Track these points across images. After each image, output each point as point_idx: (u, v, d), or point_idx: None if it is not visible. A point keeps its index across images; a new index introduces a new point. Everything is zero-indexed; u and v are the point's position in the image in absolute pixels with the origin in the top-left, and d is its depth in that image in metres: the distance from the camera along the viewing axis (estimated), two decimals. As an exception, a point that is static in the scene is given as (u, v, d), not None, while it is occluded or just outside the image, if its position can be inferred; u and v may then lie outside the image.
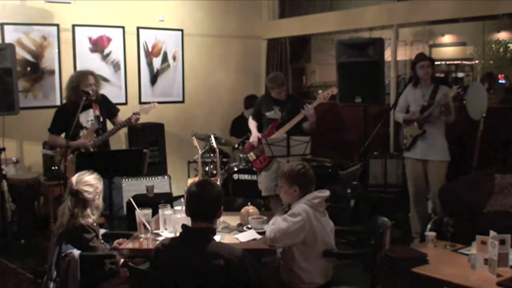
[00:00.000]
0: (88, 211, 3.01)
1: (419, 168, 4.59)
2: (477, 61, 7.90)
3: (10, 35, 5.36)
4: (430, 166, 4.53)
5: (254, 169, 5.30)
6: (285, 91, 4.86)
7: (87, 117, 4.57)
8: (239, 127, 6.42)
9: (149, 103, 4.70)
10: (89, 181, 3.05)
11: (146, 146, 5.50)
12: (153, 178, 5.53)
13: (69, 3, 5.75)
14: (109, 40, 6.07)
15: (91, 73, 4.60)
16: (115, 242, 3.28)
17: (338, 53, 5.42)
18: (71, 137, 4.39)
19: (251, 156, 4.98)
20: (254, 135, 4.96)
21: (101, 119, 4.62)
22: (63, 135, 4.63)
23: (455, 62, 8.03)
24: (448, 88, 4.45)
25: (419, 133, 4.50)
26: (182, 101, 6.78)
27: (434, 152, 4.48)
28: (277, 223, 2.94)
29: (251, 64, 7.39)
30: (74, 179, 3.06)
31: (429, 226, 4.16)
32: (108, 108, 4.73)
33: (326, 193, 3.05)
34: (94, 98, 4.52)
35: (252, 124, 5.11)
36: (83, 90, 4.43)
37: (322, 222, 2.99)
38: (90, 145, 4.47)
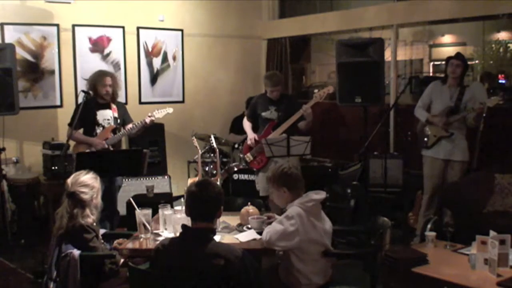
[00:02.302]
0: (87, 211, 2.99)
1: (440, 167, 4.57)
2: (477, 61, 7.91)
3: (10, 35, 5.36)
4: (451, 166, 4.52)
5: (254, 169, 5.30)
6: (278, 91, 4.84)
7: (104, 116, 4.66)
8: (239, 126, 6.43)
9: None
10: (84, 182, 3.02)
11: (146, 146, 5.50)
12: (153, 178, 5.54)
13: (69, 3, 5.75)
14: (109, 40, 6.07)
15: (110, 74, 4.75)
16: (115, 242, 3.28)
17: (338, 53, 5.42)
18: (86, 133, 4.55)
19: (248, 157, 4.98)
20: (250, 136, 4.96)
21: (119, 121, 4.71)
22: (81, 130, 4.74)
23: (455, 62, 8.01)
24: (473, 93, 4.44)
25: (446, 135, 4.48)
26: (182, 101, 6.78)
27: (457, 153, 4.48)
28: (273, 225, 2.95)
29: (251, 64, 7.39)
30: (69, 180, 3.04)
31: (429, 226, 4.16)
32: (123, 116, 4.79)
33: (322, 195, 3.00)
34: (108, 97, 4.62)
35: (247, 124, 5.10)
36: (83, 90, 4.47)
37: (317, 225, 2.95)
38: (103, 143, 4.54)
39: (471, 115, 4.34)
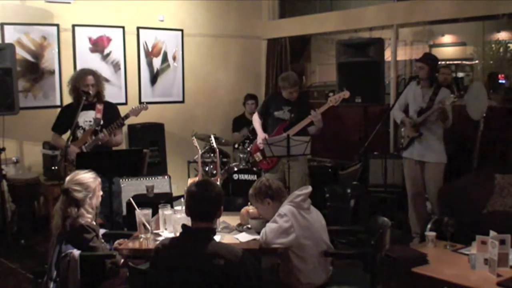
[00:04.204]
0: (82, 210, 2.96)
1: (417, 169, 4.59)
2: (477, 61, 7.92)
3: (10, 35, 5.36)
4: (427, 168, 4.53)
5: (255, 169, 5.30)
6: (297, 91, 4.81)
7: (86, 118, 4.45)
8: (239, 125, 6.44)
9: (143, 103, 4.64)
10: (79, 180, 3.00)
11: (146, 146, 5.50)
12: (153, 178, 5.53)
13: (69, 3, 5.75)
14: (109, 40, 6.07)
15: (91, 72, 4.48)
16: (115, 243, 3.26)
17: (338, 53, 5.42)
18: (70, 138, 4.33)
19: (258, 156, 4.96)
20: (261, 136, 4.91)
21: (102, 122, 4.45)
22: (65, 135, 4.57)
23: (455, 62, 8.04)
24: (449, 92, 4.45)
25: (416, 135, 4.50)
26: (182, 101, 6.78)
27: (431, 154, 4.48)
28: (267, 225, 2.98)
29: (251, 64, 7.39)
30: (67, 177, 3.05)
31: (429, 226, 4.16)
32: (111, 117, 4.46)
33: (308, 189, 3.07)
34: (91, 99, 4.43)
35: (257, 122, 5.05)
36: (83, 90, 4.37)
37: (309, 219, 3.01)
38: (82, 148, 4.36)
39: (435, 114, 4.33)
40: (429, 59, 4.54)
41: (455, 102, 4.26)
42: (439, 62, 5.01)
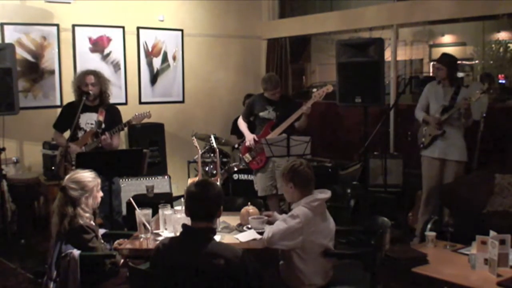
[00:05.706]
0: (79, 210, 2.95)
1: (436, 167, 4.59)
2: (477, 61, 7.92)
3: (10, 35, 5.36)
4: (448, 166, 4.53)
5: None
6: (279, 92, 4.87)
7: (88, 120, 4.46)
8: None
9: (146, 110, 4.61)
10: (77, 179, 2.99)
11: (146, 146, 5.50)
12: (153, 178, 5.53)
13: (69, 3, 5.75)
14: (109, 40, 6.07)
15: (92, 72, 4.49)
16: (115, 243, 3.26)
17: (338, 53, 5.41)
18: (72, 136, 4.36)
19: (247, 157, 4.97)
20: (249, 137, 4.94)
21: (103, 126, 4.45)
22: (66, 134, 4.56)
23: (455, 62, 8.02)
24: (468, 92, 4.47)
25: (439, 133, 4.51)
26: (182, 101, 6.78)
27: (453, 152, 4.49)
28: (276, 224, 2.95)
29: (251, 64, 7.39)
30: (67, 175, 3.06)
31: (429, 226, 4.16)
32: (113, 121, 4.48)
33: (327, 194, 3.03)
34: (92, 99, 4.44)
35: (243, 125, 5.09)
36: (83, 91, 4.39)
37: (321, 226, 2.97)
38: (81, 149, 4.37)
39: (461, 112, 4.35)
40: (447, 60, 4.57)
41: (480, 99, 4.27)
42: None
